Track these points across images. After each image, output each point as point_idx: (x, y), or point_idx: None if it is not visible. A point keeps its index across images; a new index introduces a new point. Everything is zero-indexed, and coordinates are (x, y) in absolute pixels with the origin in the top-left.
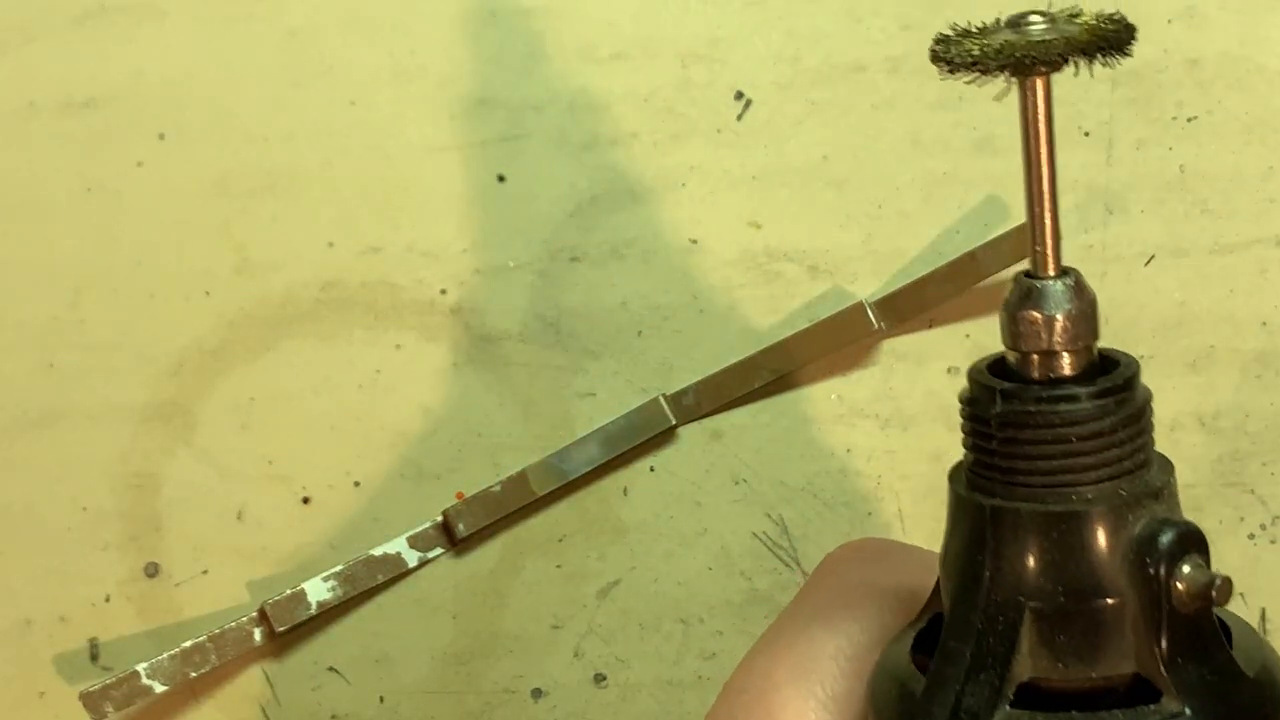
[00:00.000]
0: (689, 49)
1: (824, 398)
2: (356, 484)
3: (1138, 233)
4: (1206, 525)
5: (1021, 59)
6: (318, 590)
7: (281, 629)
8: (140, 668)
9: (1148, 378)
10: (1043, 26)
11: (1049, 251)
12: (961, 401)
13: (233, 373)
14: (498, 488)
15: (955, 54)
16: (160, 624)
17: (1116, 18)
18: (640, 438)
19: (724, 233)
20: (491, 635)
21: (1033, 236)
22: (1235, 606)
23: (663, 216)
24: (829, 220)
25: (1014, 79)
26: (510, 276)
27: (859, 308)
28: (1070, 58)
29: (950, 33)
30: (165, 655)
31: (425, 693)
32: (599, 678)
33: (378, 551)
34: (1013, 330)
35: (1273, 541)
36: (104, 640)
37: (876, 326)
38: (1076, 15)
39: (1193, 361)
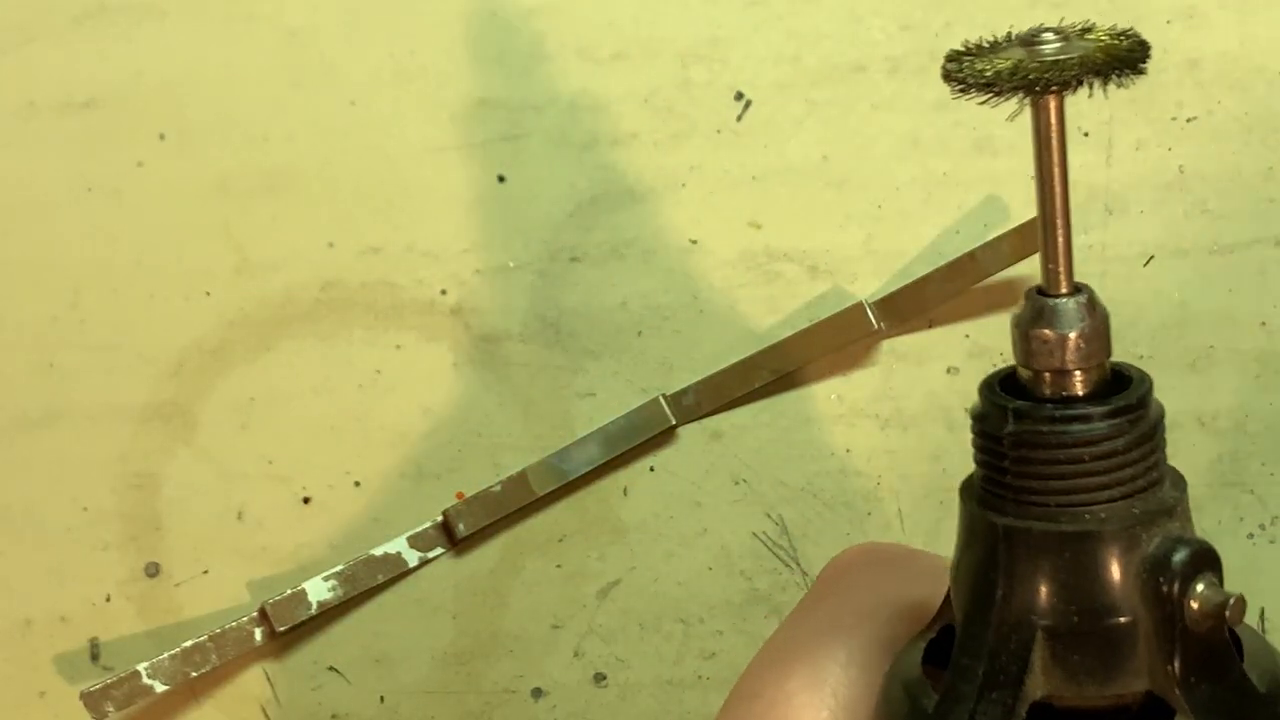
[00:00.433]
0: (689, 49)
1: (824, 398)
2: (356, 484)
3: (1137, 233)
4: (1206, 525)
5: (1035, 81)
6: (318, 590)
7: (282, 629)
8: (141, 667)
9: None
10: (1056, 45)
11: (1062, 269)
12: (972, 417)
13: (233, 373)
14: (498, 488)
15: (968, 74)
16: (160, 624)
17: (1130, 34)
18: (640, 438)
19: (724, 233)
20: (491, 635)
21: (1045, 254)
22: None
23: (663, 216)
24: (829, 220)
25: (1027, 99)
26: (510, 276)
27: (859, 308)
28: (1085, 79)
29: (961, 50)
30: (165, 655)
31: (425, 693)
32: (599, 678)
33: (378, 551)
34: (1025, 348)
35: (1272, 541)
36: (104, 640)
37: (876, 326)
38: (1089, 30)
39: (1193, 361)
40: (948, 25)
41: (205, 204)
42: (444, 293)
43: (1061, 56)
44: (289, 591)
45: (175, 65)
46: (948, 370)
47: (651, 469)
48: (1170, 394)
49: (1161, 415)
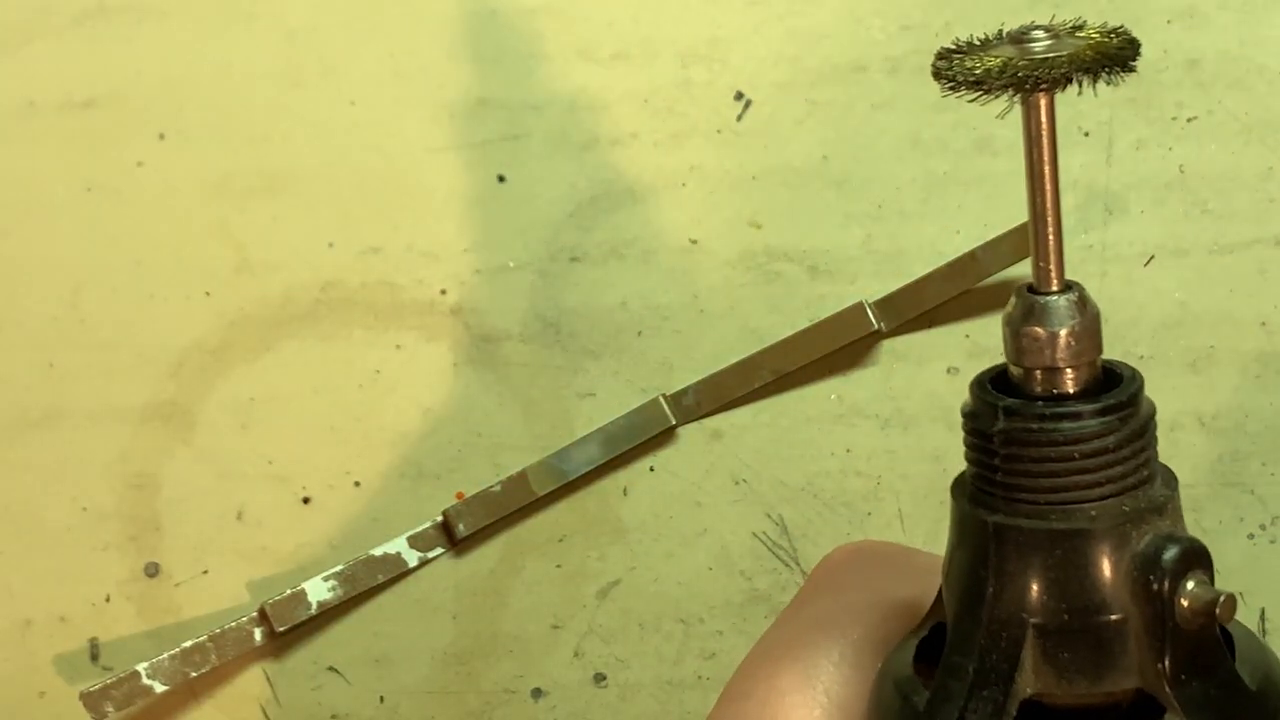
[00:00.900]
0: (689, 49)
1: (824, 398)
2: (356, 484)
3: (1138, 233)
4: (1206, 525)
5: (1025, 79)
6: (318, 590)
7: (281, 629)
8: (140, 668)
9: (1148, 378)
10: (1046, 43)
11: (1052, 267)
12: (963, 415)
13: (233, 373)
14: (498, 488)
15: (958, 72)
16: (160, 624)
17: (1121, 31)
18: (640, 438)
19: (724, 233)
20: (491, 635)
21: (1035, 252)
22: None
23: (663, 216)
24: (829, 220)
25: (1017, 96)
26: (510, 276)
27: (859, 308)
28: (1074, 77)
29: (952, 48)
30: (165, 655)
31: (425, 693)
32: (599, 678)
33: (378, 551)
34: (1015, 346)
35: (1272, 541)
36: (104, 640)
37: (876, 326)
38: (1079, 28)
39: (1193, 361)
40: (947, 25)
41: (205, 204)
42: (444, 293)
43: (1051, 54)
44: (289, 591)
45: (175, 65)
46: (948, 370)
47: (651, 469)
48: (1170, 394)
49: (1152, 413)
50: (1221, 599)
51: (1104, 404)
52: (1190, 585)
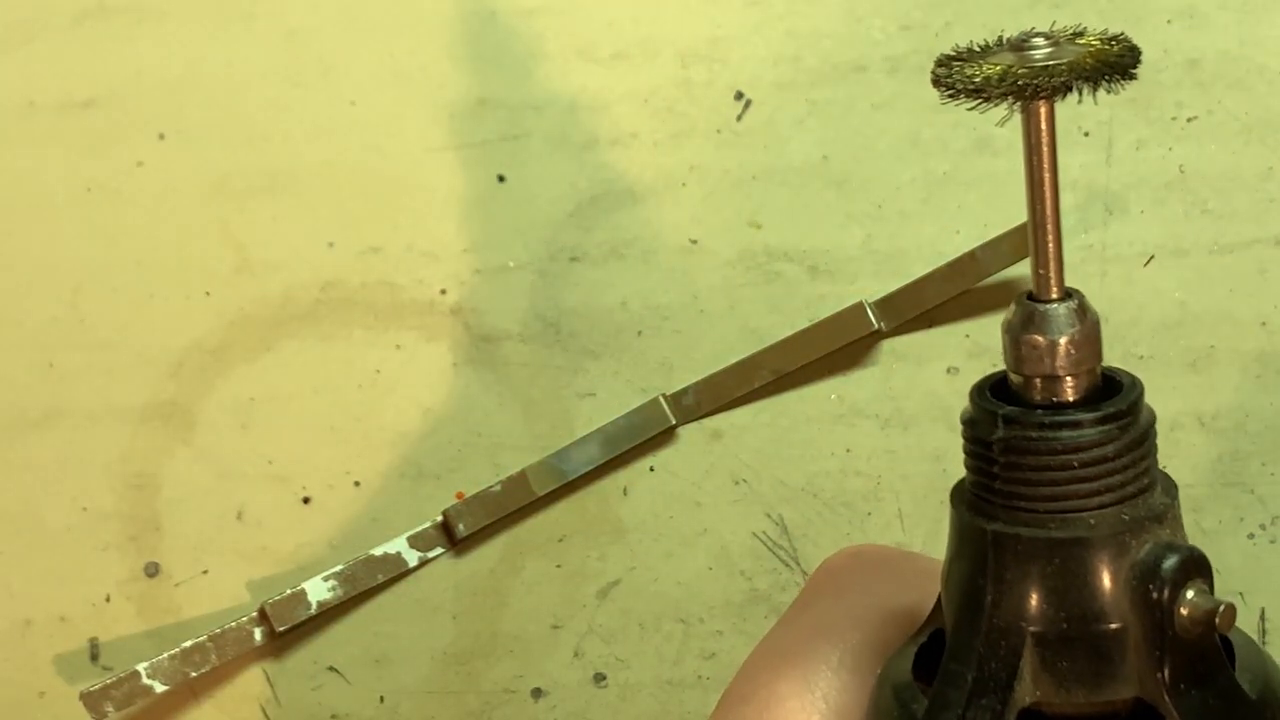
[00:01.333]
0: (689, 49)
1: (824, 398)
2: (356, 484)
3: (1138, 233)
4: (1206, 525)
5: (1024, 87)
6: (318, 590)
7: (281, 629)
8: (140, 668)
9: (1147, 378)
10: (1046, 50)
11: (1052, 274)
12: (963, 422)
13: (233, 373)
14: (498, 488)
15: (957, 79)
16: (160, 624)
17: (1122, 39)
18: (640, 438)
19: (724, 233)
20: (491, 635)
21: (1035, 259)
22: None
23: (663, 216)
24: (829, 220)
25: (1017, 104)
26: (510, 276)
27: (859, 308)
28: (1074, 85)
29: (951, 54)
30: (165, 655)
31: (425, 693)
32: (599, 678)
33: (378, 551)
34: (1015, 354)
35: (1272, 541)
36: (104, 640)
37: (876, 326)
38: (1080, 35)
39: (1193, 361)
40: (947, 25)
41: (205, 204)
42: (444, 293)
43: (1051, 62)
44: (289, 591)
45: (175, 65)
46: (948, 370)
47: (651, 469)
48: (1170, 394)
49: (1153, 421)
50: (1221, 608)
51: (1104, 412)
52: (1190, 594)
